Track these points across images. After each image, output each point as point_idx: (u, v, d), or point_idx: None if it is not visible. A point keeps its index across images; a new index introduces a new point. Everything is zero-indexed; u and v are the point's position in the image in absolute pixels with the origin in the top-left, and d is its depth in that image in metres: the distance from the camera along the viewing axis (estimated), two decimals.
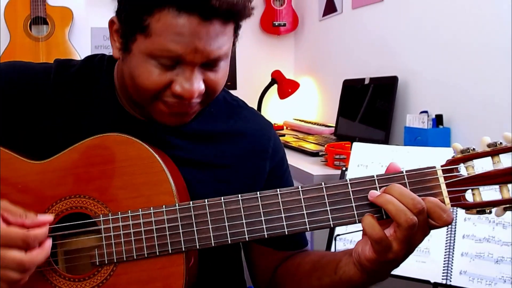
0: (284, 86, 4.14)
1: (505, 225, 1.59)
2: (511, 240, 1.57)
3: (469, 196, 1.09)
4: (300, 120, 4.19)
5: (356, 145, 1.95)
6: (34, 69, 1.38)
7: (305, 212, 1.13)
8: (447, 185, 1.09)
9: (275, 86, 4.18)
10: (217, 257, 1.40)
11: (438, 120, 2.44)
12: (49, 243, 1.14)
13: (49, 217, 1.16)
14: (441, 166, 1.10)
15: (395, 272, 1.65)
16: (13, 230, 1.10)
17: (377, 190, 1.10)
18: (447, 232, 1.65)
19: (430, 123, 2.44)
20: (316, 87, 4.16)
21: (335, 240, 1.78)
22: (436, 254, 1.64)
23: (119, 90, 1.36)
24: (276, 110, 4.38)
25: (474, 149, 1.08)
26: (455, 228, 1.65)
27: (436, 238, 1.65)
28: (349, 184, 1.12)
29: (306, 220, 1.13)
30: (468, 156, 1.08)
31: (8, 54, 3.78)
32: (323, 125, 3.76)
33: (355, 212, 1.11)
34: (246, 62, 4.38)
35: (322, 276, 1.27)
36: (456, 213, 1.64)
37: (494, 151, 1.06)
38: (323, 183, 1.13)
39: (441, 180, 1.09)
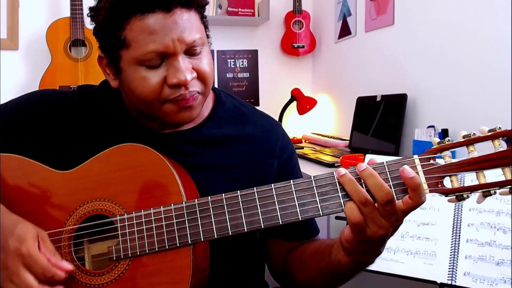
0: (302, 102, 4.10)
1: (506, 230, 1.61)
2: (511, 244, 1.58)
3: (448, 184, 1.10)
4: (317, 134, 4.17)
5: (369, 157, 1.96)
6: (62, 95, 1.44)
7: (296, 203, 1.15)
8: (425, 173, 1.10)
9: (294, 103, 4.15)
10: (238, 259, 1.44)
11: (444, 134, 2.43)
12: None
13: (70, 267, 1.18)
14: (418, 155, 1.11)
15: (405, 273, 1.70)
16: (41, 258, 1.14)
17: (360, 180, 1.10)
18: (452, 236, 1.67)
19: (436, 136, 2.42)
20: (332, 104, 4.14)
21: None
22: (442, 257, 1.66)
23: (131, 109, 1.40)
24: (295, 125, 4.34)
25: (449, 140, 1.10)
26: (460, 233, 1.66)
27: (442, 242, 1.68)
28: (335, 176, 1.13)
29: (298, 210, 1.14)
30: (443, 146, 1.10)
31: (50, 73, 3.75)
32: (339, 138, 3.75)
33: (342, 201, 1.12)
34: (267, 80, 4.36)
35: (320, 260, 1.29)
36: (461, 220, 1.67)
37: (468, 141, 1.08)
38: (312, 176, 1.16)
39: (419, 168, 1.10)
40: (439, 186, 1.10)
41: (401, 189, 1.10)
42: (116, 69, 1.28)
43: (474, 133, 1.08)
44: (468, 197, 1.09)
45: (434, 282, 1.65)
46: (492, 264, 1.59)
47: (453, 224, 1.69)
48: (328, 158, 3.04)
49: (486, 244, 1.62)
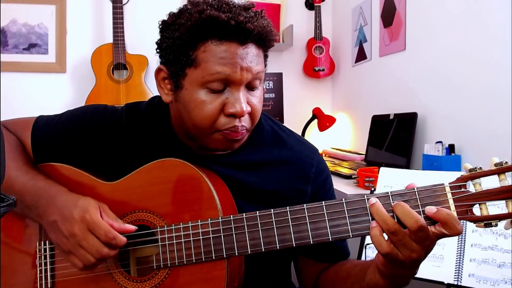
0: (323, 120, 4.10)
1: (506, 236, 1.60)
2: (511, 248, 1.58)
3: (478, 211, 1.05)
4: (336, 149, 4.15)
5: (383, 170, 1.96)
6: (112, 112, 1.42)
7: (327, 223, 1.11)
8: (455, 200, 1.05)
9: (315, 121, 4.17)
10: (268, 265, 1.40)
11: (451, 149, 2.45)
12: (117, 251, 1.20)
13: (132, 227, 1.21)
14: (449, 183, 1.06)
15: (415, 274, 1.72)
16: (103, 223, 1.17)
17: (390, 204, 1.07)
18: (458, 241, 1.66)
19: (444, 151, 2.44)
20: (350, 121, 4.16)
21: (365, 248, 1.78)
22: (449, 259, 1.67)
23: (176, 127, 1.36)
24: (316, 141, 4.25)
25: (481, 168, 1.04)
26: (465, 238, 1.65)
27: (449, 247, 1.67)
28: (366, 200, 1.10)
29: (329, 230, 1.11)
30: (475, 174, 1.04)
31: (94, 94, 3.81)
32: (355, 153, 3.75)
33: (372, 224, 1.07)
34: (291, 100, 4.33)
35: (354, 282, 1.25)
36: (466, 226, 1.65)
37: (500, 169, 1.02)
38: (343, 199, 1.12)
39: (449, 195, 1.05)
40: (469, 214, 1.05)
41: None
42: (176, 84, 1.24)
43: (506, 162, 1.03)
44: (496, 225, 1.03)
45: (442, 283, 1.66)
46: (494, 266, 1.59)
47: None
48: (346, 171, 3.05)
49: (488, 248, 1.62)
